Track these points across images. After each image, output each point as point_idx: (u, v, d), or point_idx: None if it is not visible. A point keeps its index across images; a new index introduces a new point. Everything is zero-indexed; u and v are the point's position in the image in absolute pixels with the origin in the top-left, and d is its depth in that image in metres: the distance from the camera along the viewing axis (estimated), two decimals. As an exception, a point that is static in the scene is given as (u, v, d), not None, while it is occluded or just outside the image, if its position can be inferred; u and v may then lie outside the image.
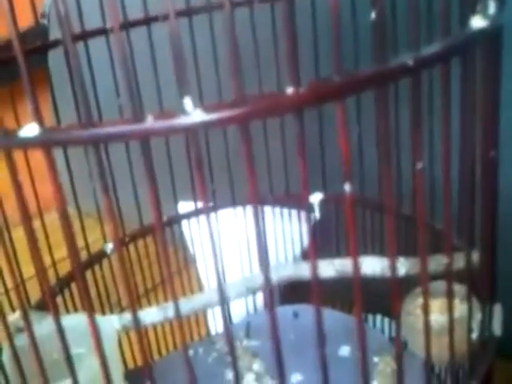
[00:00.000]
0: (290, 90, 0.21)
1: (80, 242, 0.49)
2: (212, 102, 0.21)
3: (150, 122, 0.20)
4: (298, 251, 0.62)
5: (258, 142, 0.54)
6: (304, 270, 0.43)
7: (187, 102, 0.21)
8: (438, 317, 0.33)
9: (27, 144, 0.22)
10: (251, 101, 0.21)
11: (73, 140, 0.21)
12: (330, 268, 0.41)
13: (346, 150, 0.23)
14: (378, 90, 0.24)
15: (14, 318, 0.39)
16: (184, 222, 0.60)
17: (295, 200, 0.60)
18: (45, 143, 0.21)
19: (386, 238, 0.26)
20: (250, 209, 0.55)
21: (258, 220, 0.21)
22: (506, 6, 0.31)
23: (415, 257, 0.41)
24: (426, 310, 0.26)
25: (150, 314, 0.43)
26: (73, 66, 0.22)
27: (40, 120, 0.21)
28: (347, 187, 0.24)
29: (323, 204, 0.58)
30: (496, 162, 0.33)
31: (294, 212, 0.60)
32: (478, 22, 0.28)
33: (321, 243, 0.61)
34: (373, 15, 0.38)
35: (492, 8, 0.29)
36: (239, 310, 0.63)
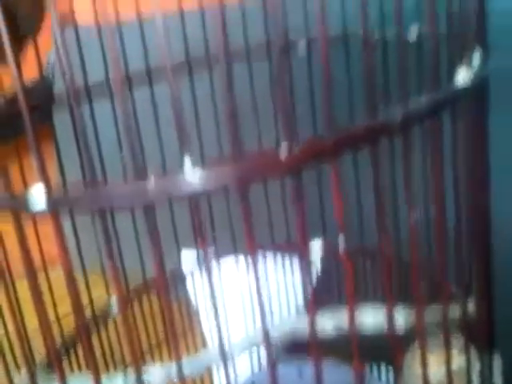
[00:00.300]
0: (283, 153, 0.23)
1: (84, 298, 0.50)
2: (210, 166, 0.22)
3: (152, 183, 0.21)
4: (300, 301, 0.62)
5: (257, 190, 0.55)
6: (305, 325, 0.43)
7: (187, 162, 0.22)
8: (436, 370, 0.33)
9: (35, 208, 0.23)
10: (247, 159, 0.22)
11: (79, 207, 0.22)
12: (330, 323, 0.41)
13: (340, 210, 0.24)
14: (370, 145, 0.25)
15: (20, 380, 0.39)
16: (187, 277, 0.60)
17: (296, 248, 0.60)
18: (52, 210, 0.22)
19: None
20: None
21: (259, 289, 0.22)
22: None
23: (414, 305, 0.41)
24: (423, 363, 0.26)
25: (154, 375, 0.43)
26: (78, 128, 0.24)
27: (47, 184, 0.22)
28: (341, 243, 0.25)
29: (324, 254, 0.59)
30: (487, 211, 0.34)
31: (295, 261, 0.61)
32: (463, 76, 0.29)
33: (323, 293, 0.61)
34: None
35: (476, 60, 0.30)
36: (245, 365, 0.62)
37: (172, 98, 0.22)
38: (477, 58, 0.30)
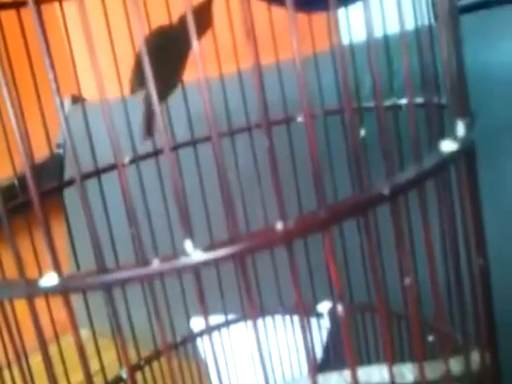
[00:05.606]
0: (279, 226, 0.24)
1: (96, 365, 0.51)
2: (209, 243, 0.24)
3: (155, 266, 0.23)
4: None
5: (265, 257, 0.56)
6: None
7: (188, 245, 0.24)
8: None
9: (47, 292, 0.24)
10: (245, 239, 0.23)
11: (88, 287, 0.23)
12: (340, 380, 0.42)
13: (336, 277, 0.25)
14: (360, 217, 0.27)
15: None
16: (198, 340, 0.61)
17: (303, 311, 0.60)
18: (63, 291, 0.24)
19: (396, 343, 0.28)
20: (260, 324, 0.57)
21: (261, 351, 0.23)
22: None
23: (425, 360, 0.41)
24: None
25: None
26: (84, 210, 0.25)
27: (59, 269, 0.24)
28: (340, 308, 0.26)
29: (333, 311, 0.59)
30: (486, 269, 0.35)
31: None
32: (448, 146, 0.30)
33: (333, 350, 0.61)
34: (362, 132, 0.41)
35: (461, 130, 0.31)
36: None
37: (173, 187, 0.24)
38: (461, 127, 0.31)
